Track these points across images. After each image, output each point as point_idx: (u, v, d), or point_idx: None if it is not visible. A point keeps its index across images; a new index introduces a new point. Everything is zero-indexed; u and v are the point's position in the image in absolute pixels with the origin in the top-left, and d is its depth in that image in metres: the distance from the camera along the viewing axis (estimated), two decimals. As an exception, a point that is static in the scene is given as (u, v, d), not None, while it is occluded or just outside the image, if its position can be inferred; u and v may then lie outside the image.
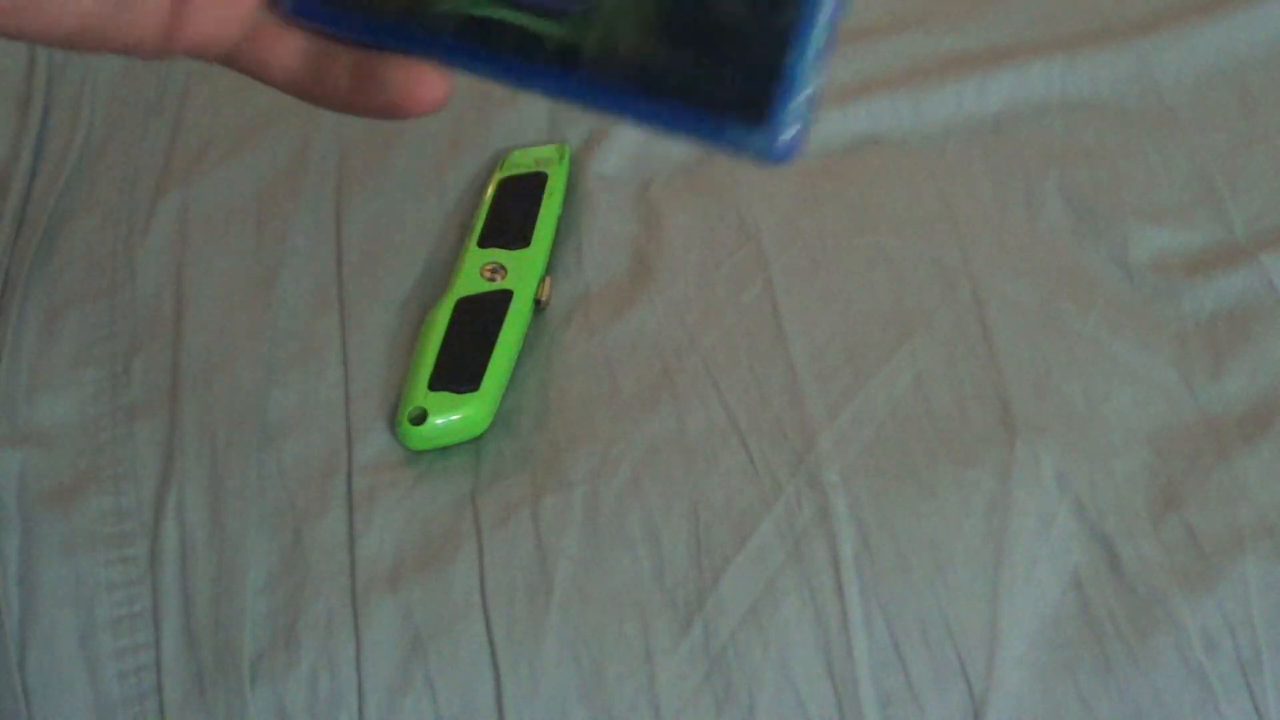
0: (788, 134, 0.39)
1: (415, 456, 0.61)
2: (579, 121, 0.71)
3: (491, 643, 0.55)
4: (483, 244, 0.65)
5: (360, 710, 0.55)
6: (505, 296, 0.63)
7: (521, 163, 0.68)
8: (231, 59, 0.43)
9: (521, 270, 0.64)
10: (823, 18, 0.38)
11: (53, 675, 0.58)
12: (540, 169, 0.68)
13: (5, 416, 0.64)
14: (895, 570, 0.55)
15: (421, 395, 0.61)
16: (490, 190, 0.67)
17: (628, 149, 0.70)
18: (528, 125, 0.71)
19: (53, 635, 0.58)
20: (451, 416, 0.60)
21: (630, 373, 0.62)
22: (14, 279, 0.68)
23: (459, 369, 0.61)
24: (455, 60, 0.42)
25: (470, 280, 0.64)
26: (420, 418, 0.60)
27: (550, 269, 0.66)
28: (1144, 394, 0.59)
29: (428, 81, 0.42)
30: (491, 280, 0.64)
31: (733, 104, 0.39)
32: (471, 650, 0.55)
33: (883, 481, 0.57)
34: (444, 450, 0.61)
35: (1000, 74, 0.68)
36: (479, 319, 0.63)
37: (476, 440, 0.61)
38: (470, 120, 0.72)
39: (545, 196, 0.67)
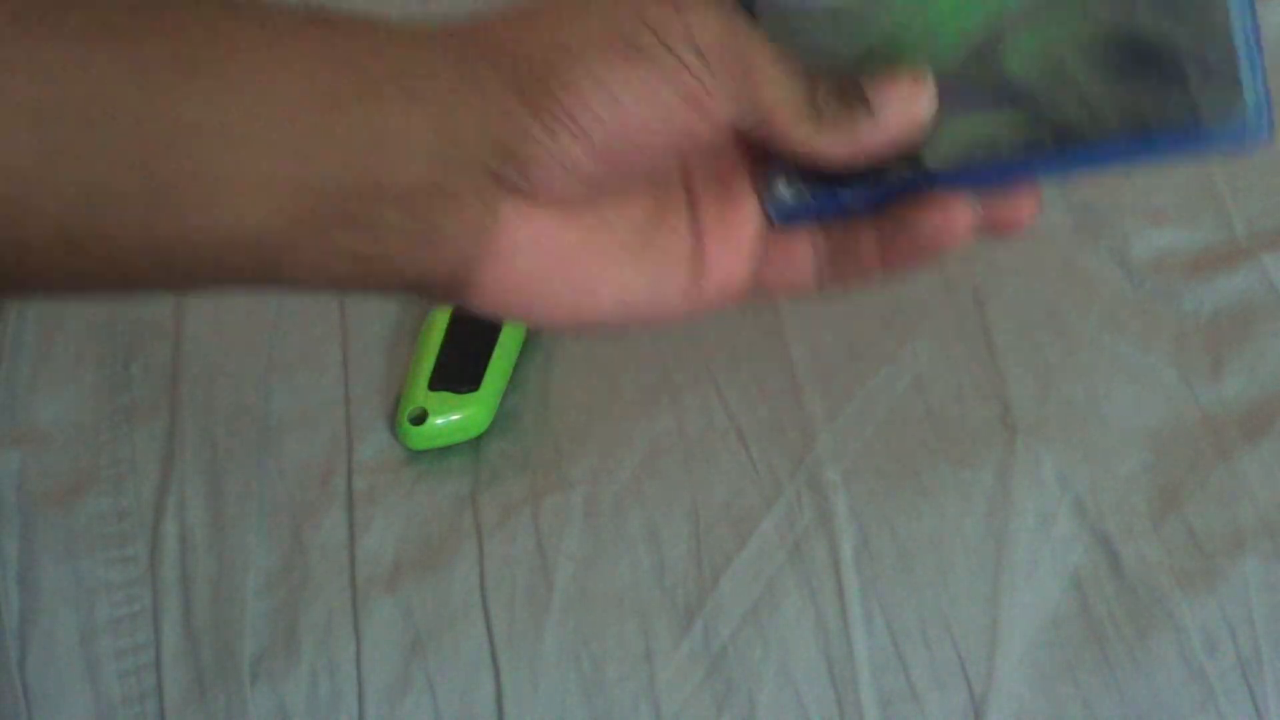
0: (1267, 121, 0.41)
1: (415, 456, 0.61)
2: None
3: (491, 643, 0.55)
4: (483, 244, 0.65)
5: (360, 710, 0.55)
6: (506, 298, 0.63)
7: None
8: (756, 294, 0.46)
9: (522, 271, 0.64)
10: (1254, 22, 0.42)
11: (53, 675, 0.58)
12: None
13: (5, 416, 0.64)
14: (895, 570, 0.55)
15: (421, 395, 0.61)
16: (490, 190, 0.67)
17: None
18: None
19: (53, 635, 0.58)
20: (451, 416, 0.60)
21: (630, 373, 0.62)
22: (14, 279, 0.68)
23: (459, 369, 0.61)
24: (959, 183, 0.44)
25: (470, 280, 0.64)
26: (420, 418, 0.60)
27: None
28: (1144, 394, 0.59)
29: (955, 216, 0.43)
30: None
31: (1209, 113, 0.41)
32: (471, 650, 0.55)
33: (883, 481, 0.57)
34: (444, 450, 0.61)
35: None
36: (479, 319, 0.62)
37: (476, 440, 0.61)
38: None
39: (545, 196, 0.67)
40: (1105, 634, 0.53)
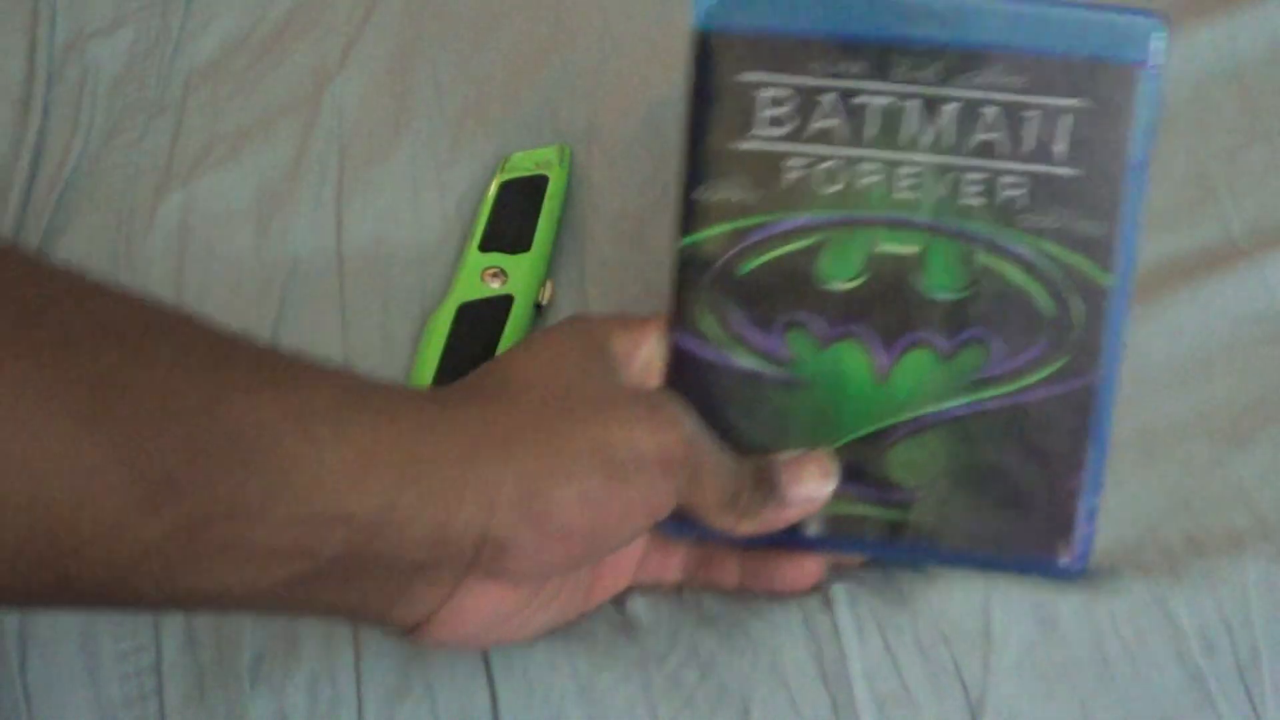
0: (1084, 558, 0.53)
1: (416, 459, 0.61)
2: (579, 122, 0.71)
3: (486, 650, 0.55)
4: (483, 248, 0.65)
5: (360, 714, 0.55)
6: (506, 301, 0.63)
7: (522, 165, 0.68)
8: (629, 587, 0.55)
9: (522, 274, 0.64)
10: (1101, 472, 0.52)
11: (53, 678, 0.58)
12: (541, 171, 0.67)
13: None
14: (886, 573, 0.55)
15: (421, 403, 0.61)
16: (490, 193, 0.67)
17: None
18: (527, 127, 0.71)
19: (53, 638, 0.58)
20: (451, 422, 0.60)
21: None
22: (15, 280, 0.68)
23: (460, 375, 0.61)
24: (820, 548, 0.54)
25: (471, 285, 0.64)
26: (420, 423, 0.60)
27: (551, 272, 0.66)
28: (1140, 394, 0.59)
29: (808, 569, 0.54)
30: (492, 285, 0.64)
31: (1040, 546, 0.53)
32: (469, 656, 0.55)
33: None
34: (444, 454, 0.61)
35: (1000, 75, 0.68)
36: (480, 324, 0.63)
37: (476, 444, 0.61)
38: (470, 123, 0.72)
39: (546, 199, 0.66)
40: (1103, 635, 0.53)
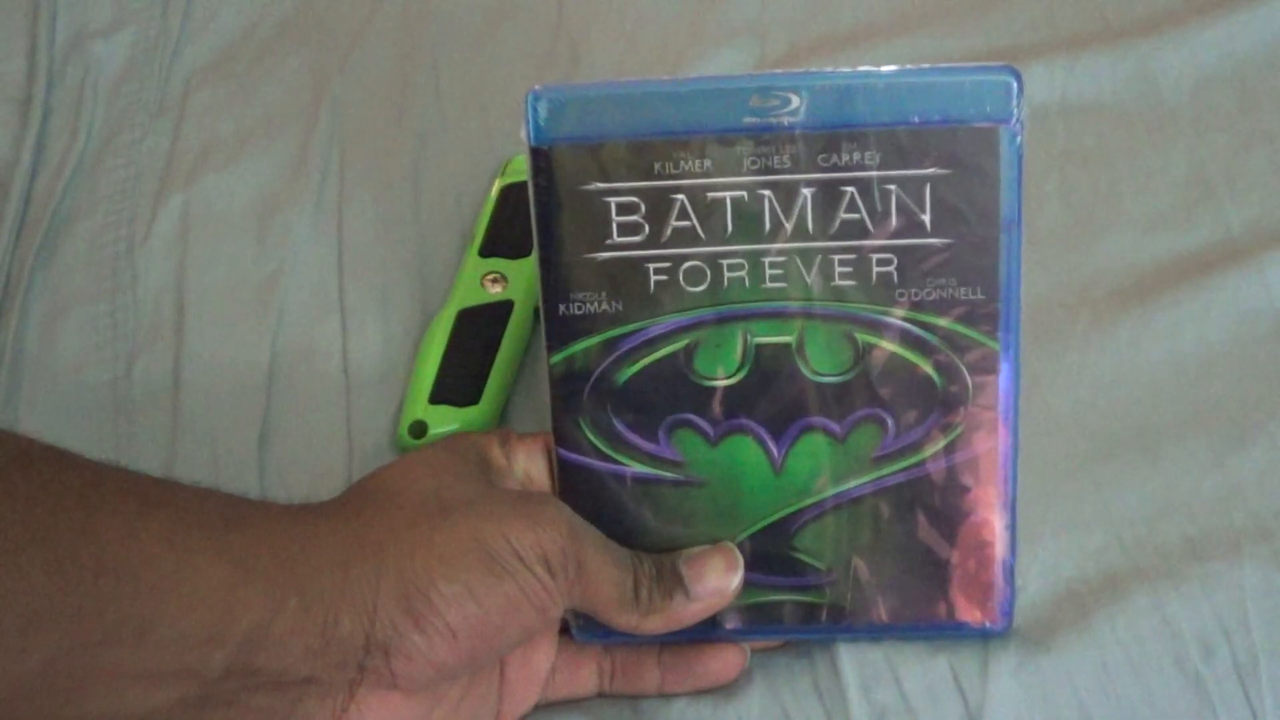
0: (1007, 619, 0.53)
1: (415, 468, 0.61)
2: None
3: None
4: (484, 253, 0.65)
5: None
6: (506, 307, 0.63)
7: (523, 169, 0.67)
8: (540, 704, 0.54)
9: (523, 279, 0.64)
10: (1014, 533, 0.52)
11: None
12: (541, 174, 0.67)
13: (6, 417, 0.64)
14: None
15: (421, 408, 0.61)
16: (491, 197, 0.67)
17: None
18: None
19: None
20: (451, 429, 0.60)
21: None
22: (15, 281, 0.68)
23: (459, 382, 0.61)
24: (738, 638, 0.53)
25: (471, 290, 0.64)
26: (420, 431, 0.60)
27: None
28: (1137, 395, 0.59)
29: (730, 660, 0.53)
30: (492, 290, 0.64)
31: (960, 613, 0.53)
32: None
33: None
34: (444, 461, 0.61)
35: (1001, 76, 0.68)
36: (479, 330, 0.63)
37: (476, 452, 0.61)
38: (471, 126, 0.72)
39: (546, 203, 0.66)
40: (1101, 640, 0.53)
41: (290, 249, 0.68)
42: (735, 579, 0.52)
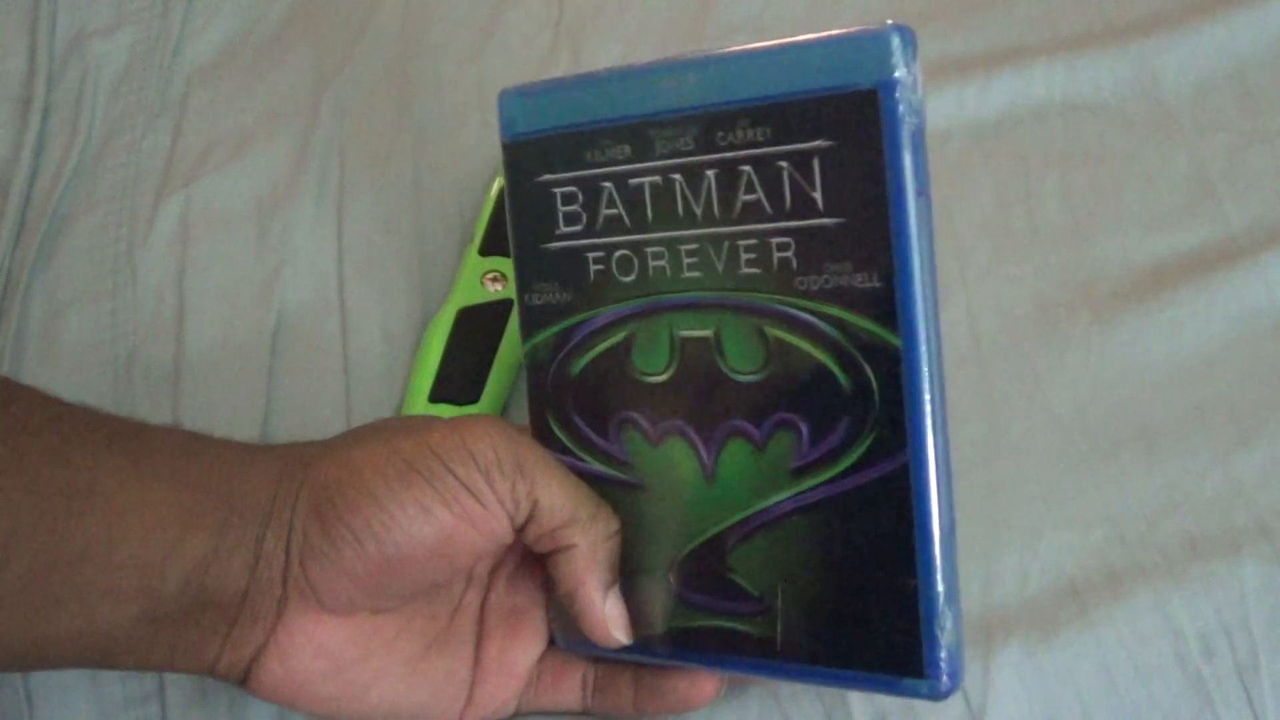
0: (944, 677, 0.45)
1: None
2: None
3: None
4: (484, 251, 0.65)
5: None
6: (506, 306, 0.63)
7: (522, 167, 0.68)
8: (521, 710, 0.53)
9: (523, 277, 0.64)
10: (942, 585, 0.45)
11: (55, 678, 0.58)
12: (542, 173, 0.67)
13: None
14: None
15: (421, 406, 0.61)
16: (491, 196, 0.67)
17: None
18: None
19: (55, 640, 0.58)
20: (451, 427, 0.60)
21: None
22: (15, 280, 0.68)
23: (459, 380, 0.61)
24: (673, 662, 0.50)
25: (471, 289, 0.64)
26: (419, 429, 0.60)
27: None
28: (1138, 394, 0.59)
29: (703, 687, 0.51)
30: (492, 289, 0.64)
31: (891, 665, 0.46)
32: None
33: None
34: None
35: (1001, 76, 0.68)
36: (479, 329, 0.63)
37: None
38: (472, 124, 0.72)
39: (546, 201, 0.66)
40: (1103, 640, 0.53)
41: (290, 248, 0.68)
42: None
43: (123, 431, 0.48)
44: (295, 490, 0.47)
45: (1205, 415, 0.59)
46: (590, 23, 0.74)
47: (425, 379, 0.61)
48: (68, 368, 0.66)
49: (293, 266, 0.67)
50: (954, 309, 0.61)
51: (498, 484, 0.47)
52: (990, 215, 0.64)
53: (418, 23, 0.76)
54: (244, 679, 0.48)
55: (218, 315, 0.66)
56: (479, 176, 0.69)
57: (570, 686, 0.53)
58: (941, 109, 0.68)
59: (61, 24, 0.77)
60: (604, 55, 0.73)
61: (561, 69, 0.72)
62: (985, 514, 0.56)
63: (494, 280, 0.64)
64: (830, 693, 0.53)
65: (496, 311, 0.63)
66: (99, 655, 0.47)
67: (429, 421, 0.49)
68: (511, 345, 0.62)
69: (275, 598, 0.47)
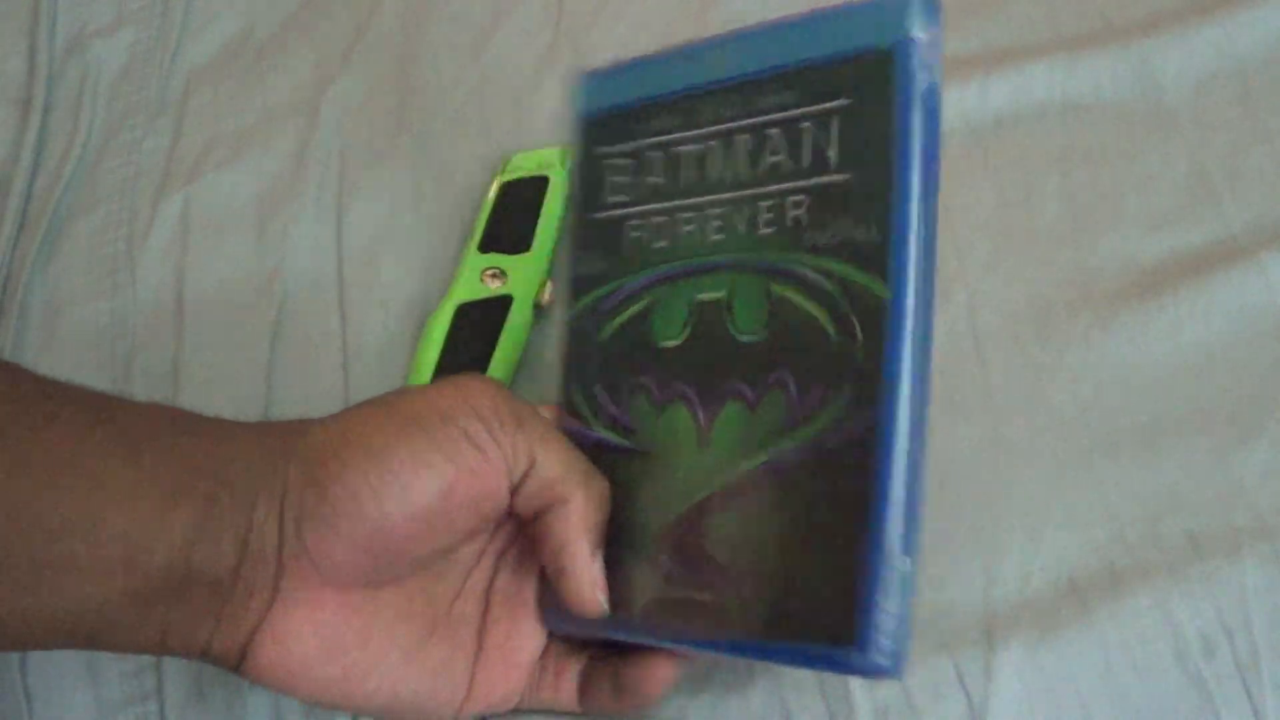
0: (875, 651, 0.43)
1: (415, 460, 0.61)
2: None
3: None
4: (483, 248, 0.65)
5: (356, 715, 0.55)
6: (505, 302, 0.63)
7: (523, 166, 0.68)
8: (521, 706, 0.53)
9: (522, 275, 0.64)
10: (893, 554, 0.43)
11: (54, 678, 0.58)
12: (542, 172, 0.67)
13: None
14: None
15: (420, 404, 0.61)
16: (491, 194, 0.67)
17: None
18: (529, 128, 0.71)
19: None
20: (451, 424, 0.60)
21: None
22: (15, 279, 0.68)
23: (459, 373, 0.61)
24: (660, 640, 0.49)
25: (470, 285, 0.64)
26: (420, 423, 0.60)
27: (552, 273, 0.66)
28: (1139, 392, 0.59)
29: (655, 676, 0.50)
30: (491, 285, 0.64)
31: (823, 633, 0.44)
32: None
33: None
34: (444, 454, 0.61)
35: (1001, 75, 0.68)
36: (478, 325, 0.63)
37: (476, 445, 0.61)
38: (471, 123, 0.72)
39: (547, 200, 0.66)
40: (1105, 640, 0.53)
41: (290, 247, 0.68)
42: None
43: (107, 406, 0.48)
44: (287, 458, 0.46)
45: (1206, 414, 0.58)
46: (590, 23, 0.74)
47: (424, 374, 0.61)
48: (67, 366, 0.66)
49: (292, 266, 0.68)
50: (954, 308, 0.61)
51: (499, 434, 0.47)
52: (990, 215, 0.64)
53: (418, 23, 0.76)
54: (239, 662, 0.47)
55: (217, 314, 0.67)
56: (478, 175, 0.69)
57: (568, 684, 0.53)
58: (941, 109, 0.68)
59: (61, 24, 0.77)
60: (604, 55, 0.73)
61: (561, 69, 0.73)
62: (986, 513, 0.56)
63: (493, 277, 0.64)
64: (832, 686, 0.53)
65: (495, 307, 0.63)
66: (88, 633, 0.46)
67: (424, 385, 0.49)
68: (510, 341, 0.62)
69: (270, 572, 0.46)
